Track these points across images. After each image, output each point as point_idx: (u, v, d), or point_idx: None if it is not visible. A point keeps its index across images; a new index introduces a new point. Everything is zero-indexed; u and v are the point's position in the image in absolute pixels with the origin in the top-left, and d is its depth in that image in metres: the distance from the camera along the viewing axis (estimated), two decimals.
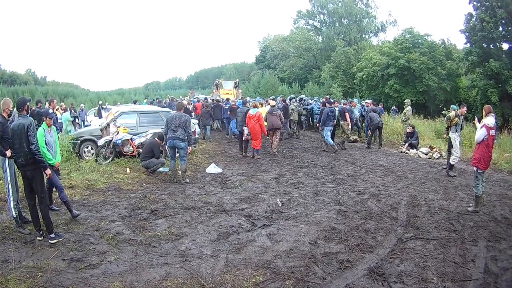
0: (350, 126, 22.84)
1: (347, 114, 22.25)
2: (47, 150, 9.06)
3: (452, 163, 15.23)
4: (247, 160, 18.28)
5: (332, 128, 21.61)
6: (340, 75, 58.28)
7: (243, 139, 19.41)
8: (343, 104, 23.98)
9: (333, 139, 21.25)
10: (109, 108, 30.10)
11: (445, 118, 15.42)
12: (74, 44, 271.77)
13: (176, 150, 13.82)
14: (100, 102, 37.12)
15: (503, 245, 8.23)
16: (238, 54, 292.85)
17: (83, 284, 6.41)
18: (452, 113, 15.33)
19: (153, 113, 18.80)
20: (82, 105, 34.09)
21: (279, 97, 33.78)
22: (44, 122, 9.08)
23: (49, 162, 8.71)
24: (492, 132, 10.48)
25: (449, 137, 15.47)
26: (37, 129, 8.74)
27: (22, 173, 8.38)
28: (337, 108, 22.02)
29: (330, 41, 65.81)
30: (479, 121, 11.82)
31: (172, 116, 13.81)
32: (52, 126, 9.46)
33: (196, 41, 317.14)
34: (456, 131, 15.32)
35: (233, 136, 25.88)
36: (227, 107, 26.82)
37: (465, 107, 14.89)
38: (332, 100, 24.59)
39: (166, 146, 14.10)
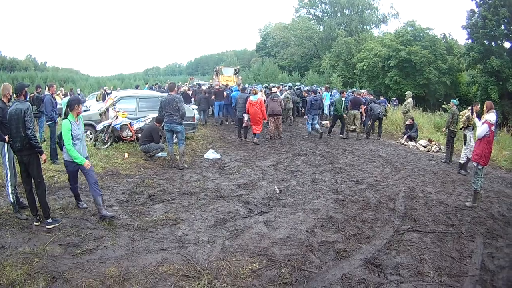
0: (364, 117, 22.95)
1: (362, 105, 22.23)
2: (74, 144, 8.34)
3: (461, 162, 15.06)
4: (246, 146, 18.31)
5: (316, 116, 22.13)
6: (340, 64, 58.70)
7: (243, 125, 19.57)
8: (356, 94, 23.81)
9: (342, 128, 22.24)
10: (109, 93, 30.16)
11: (464, 117, 15.17)
12: (74, 30, 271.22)
13: (174, 133, 13.86)
14: (105, 88, 37.10)
15: (500, 243, 8.23)
16: (238, 41, 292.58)
17: (79, 269, 6.39)
18: (468, 113, 15.17)
19: (152, 98, 18.76)
20: (78, 89, 34.08)
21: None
22: (70, 113, 8.39)
23: (78, 162, 8.30)
24: (493, 128, 10.48)
25: (464, 134, 15.21)
26: (35, 114, 8.72)
27: (19, 158, 8.32)
28: (343, 98, 22.02)
29: (331, 30, 66.07)
30: (478, 117, 11.83)
31: (166, 100, 13.68)
32: (80, 115, 8.87)
33: (197, 27, 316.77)
34: (473, 129, 15.25)
35: (221, 121, 26.40)
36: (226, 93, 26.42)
37: (478, 105, 14.74)
38: (316, 90, 25.91)
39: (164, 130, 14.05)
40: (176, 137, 14.03)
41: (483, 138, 10.38)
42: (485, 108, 10.68)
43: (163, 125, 13.94)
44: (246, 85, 33.18)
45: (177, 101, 13.38)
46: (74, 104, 8.43)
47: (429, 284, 6.30)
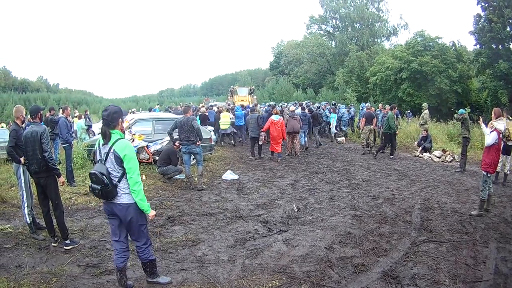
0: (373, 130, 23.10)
1: (374, 119, 22.78)
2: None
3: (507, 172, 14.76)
4: (263, 166, 18.36)
5: (306, 131, 23.91)
6: (354, 80, 58.42)
7: (261, 143, 20.38)
8: (368, 108, 24.15)
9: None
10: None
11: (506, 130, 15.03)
12: (87, 52, 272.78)
13: (192, 155, 13.98)
14: (134, 109, 37.64)
15: None
16: (252, 61, 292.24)
17: None
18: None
19: (168, 120, 18.59)
20: (77, 111, 34.24)
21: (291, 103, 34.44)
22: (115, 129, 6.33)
23: (146, 210, 6.23)
24: (501, 135, 10.59)
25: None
26: (50, 136, 8.74)
27: (35, 180, 8.46)
28: (350, 112, 22.49)
29: (343, 45, 65.95)
30: (485, 123, 11.88)
31: (181, 122, 13.67)
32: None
33: (210, 48, 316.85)
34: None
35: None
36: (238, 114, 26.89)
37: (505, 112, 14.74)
38: (304, 106, 26.31)
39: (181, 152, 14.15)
40: (194, 159, 14.19)
41: (491, 146, 10.45)
42: (493, 115, 10.73)
43: (180, 148, 13.99)
44: (270, 103, 34.14)
45: (191, 121, 13.50)
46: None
47: None
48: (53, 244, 8.33)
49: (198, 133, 13.57)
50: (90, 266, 7.35)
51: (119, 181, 6.00)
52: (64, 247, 8.15)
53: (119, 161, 5.94)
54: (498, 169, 14.13)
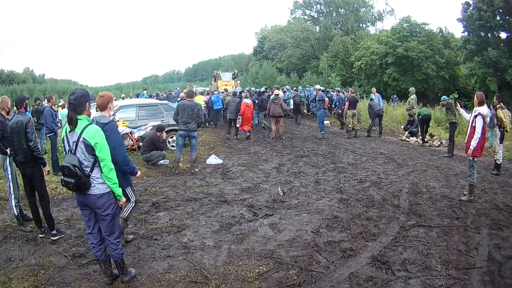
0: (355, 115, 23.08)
1: (357, 103, 23.36)
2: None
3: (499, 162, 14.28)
4: (247, 150, 18.38)
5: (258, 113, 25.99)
6: (338, 64, 58.83)
7: (238, 126, 21.62)
8: (350, 93, 24.05)
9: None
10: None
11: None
12: (71, 41, 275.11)
13: (187, 139, 13.95)
14: (123, 95, 37.99)
15: (506, 233, 8.20)
16: (235, 46, 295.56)
17: (86, 279, 6.41)
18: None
19: (152, 106, 18.92)
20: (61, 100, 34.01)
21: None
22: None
23: (119, 196, 6.09)
24: (487, 120, 10.42)
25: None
26: (35, 126, 8.52)
27: (22, 170, 8.36)
28: (336, 96, 22.82)
29: (328, 30, 66.10)
30: (464, 108, 11.71)
31: (184, 105, 13.55)
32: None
33: (194, 33, 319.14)
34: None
35: None
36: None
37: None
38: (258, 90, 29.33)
39: (171, 139, 14.05)
40: (189, 143, 14.20)
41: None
42: (475, 100, 10.51)
43: (179, 132, 13.94)
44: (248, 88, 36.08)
45: (198, 109, 13.56)
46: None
47: (437, 278, 6.28)
48: (40, 235, 8.26)
49: (200, 124, 13.84)
50: (76, 256, 7.27)
51: (91, 170, 5.73)
52: (51, 238, 8.08)
53: (90, 149, 5.65)
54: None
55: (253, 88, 37.66)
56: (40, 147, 13.13)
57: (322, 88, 26.02)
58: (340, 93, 25.96)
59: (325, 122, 26.16)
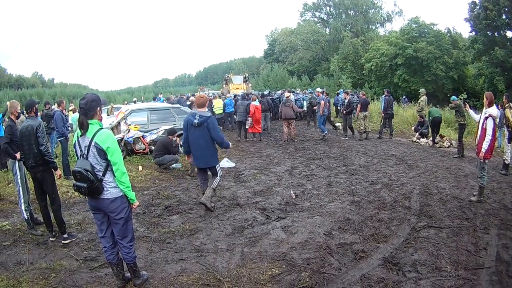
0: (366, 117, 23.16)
1: (369, 106, 23.53)
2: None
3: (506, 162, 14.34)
4: (260, 153, 18.39)
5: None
6: (349, 66, 58.71)
7: (246, 127, 21.89)
8: (362, 95, 24.53)
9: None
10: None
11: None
12: (81, 45, 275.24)
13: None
14: (135, 99, 38.25)
15: None
16: (246, 49, 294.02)
17: (98, 283, 6.46)
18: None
19: (163, 109, 18.97)
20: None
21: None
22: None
23: (132, 200, 6.12)
24: (497, 121, 10.44)
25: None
26: (46, 131, 8.59)
27: (32, 174, 8.36)
28: (346, 99, 22.93)
29: (338, 32, 66.22)
30: (472, 108, 11.70)
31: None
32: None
33: (204, 37, 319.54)
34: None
35: None
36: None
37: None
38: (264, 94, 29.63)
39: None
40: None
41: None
42: (485, 100, 10.44)
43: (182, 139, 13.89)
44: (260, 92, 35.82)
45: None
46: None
47: (447, 279, 6.31)
48: (51, 239, 8.28)
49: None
50: (88, 260, 7.29)
51: (103, 174, 5.76)
52: (62, 242, 8.09)
53: (102, 153, 5.68)
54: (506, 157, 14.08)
55: (254, 91, 38.47)
56: (51, 151, 13.27)
57: (321, 90, 25.95)
58: (348, 95, 25.96)
59: (337, 124, 26.27)
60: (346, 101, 23.32)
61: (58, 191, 9.03)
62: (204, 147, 9.79)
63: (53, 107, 19.61)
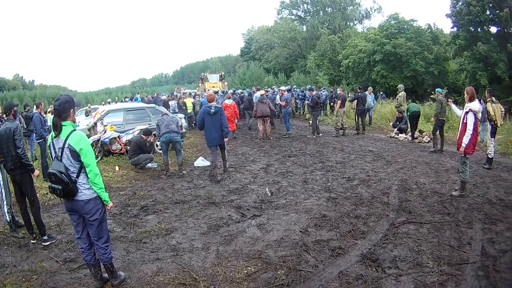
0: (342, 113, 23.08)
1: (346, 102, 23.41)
2: None
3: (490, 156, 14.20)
4: (235, 151, 18.43)
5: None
6: (326, 63, 59.09)
7: None
8: (341, 91, 24.83)
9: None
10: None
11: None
12: (60, 47, 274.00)
13: (171, 144, 14.25)
14: (109, 100, 38.41)
15: (500, 227, 8.13)
16: (223, 47, 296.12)
17: (77, 284, 6.44)
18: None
19: (139, 109, 19.02)
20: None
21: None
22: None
23: (106, 201, 6.10)
24: (479, 116, 10.27)
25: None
26: (25, 133, 8.46)
27: (12, 177, 8.39)
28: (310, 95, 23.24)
29: (315, 30, 66.42)
30: (455, 103, 11.59)
31: (162, 118, 14.38)
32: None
33: (181, 36, 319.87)
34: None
35: None
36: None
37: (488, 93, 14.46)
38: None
39: (159, 142, 14.43)
40: (173, 148, 14.59)
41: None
42: (466, 95, 10.33)
43: (160, 138, 14.26)
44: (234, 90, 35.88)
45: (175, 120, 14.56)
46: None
47: (429, 275, 6.21)
48: (32, 241, 8.31)
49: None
50: (68, 261, 7.33)
51: (77, 176, 5.73)
52: (43, 243, 8.14)
53: (76, 155, 5.65)
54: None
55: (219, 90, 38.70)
56: (30, 154, 13.12)
57: (285, 89, 26.08)
58: (314, 92, 25.79)
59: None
60: (311, 97, 23.32)
61: (38, 194, 9.29)
62: (218, 130, 13.13)
63: (32, 109, 19.48)
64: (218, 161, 13.80)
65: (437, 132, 17.16)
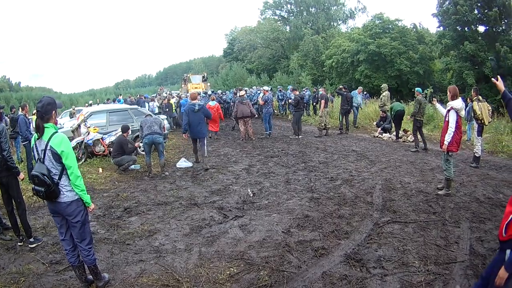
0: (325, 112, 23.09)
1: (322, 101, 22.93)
2: None
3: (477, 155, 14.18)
4: (217, 152, 18.44)
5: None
6: (309, 63, 59.25)
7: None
8: (323, 91, 24.54)
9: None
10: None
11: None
12: (46, 48, 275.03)
13: (153, 146, 14.39)
14: (90, 102, 38.85)
15: (489, 226, 8.08)
16: (206, 48, 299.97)
17: (63, 286, 6.47)
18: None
19: (122, 111, 19.06)
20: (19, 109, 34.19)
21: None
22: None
23: (88, 203, 6.13)
24: (462, 113, 10.20)
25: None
26: (11, 135, 8.34)
27: None
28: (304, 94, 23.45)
29: (298, 30, 66.61)
30: (440, 102, 11.53)
31: (145, 120, 14.49)
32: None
33: (164, 36, 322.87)
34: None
35: None
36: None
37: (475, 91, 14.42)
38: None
39: (142, 143, 14.71)
40: (156, 150, 14.69)
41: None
42: (448, 94, 10.27)
43: (143, 139, 14.31)
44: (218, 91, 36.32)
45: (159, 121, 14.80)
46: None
47: (416, 274, 6.18)
48: (19, 244, 8.30)
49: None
50: (54, 263, 7.34)
51: (59, 178, 5.74)
52: (29, 246, 8.14)
53: (57, 157, 5.66)
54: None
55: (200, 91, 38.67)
56: (16, 156, 13.08)
57: (267, 88, 26.11)
58: (296, 92, 25.77)
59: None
60: (293, 97, 23.58)
61: (24, 196, 9.24)
62: (201, 125, 14.69)
63: (18, 111, 19.42)
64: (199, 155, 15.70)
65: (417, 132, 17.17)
